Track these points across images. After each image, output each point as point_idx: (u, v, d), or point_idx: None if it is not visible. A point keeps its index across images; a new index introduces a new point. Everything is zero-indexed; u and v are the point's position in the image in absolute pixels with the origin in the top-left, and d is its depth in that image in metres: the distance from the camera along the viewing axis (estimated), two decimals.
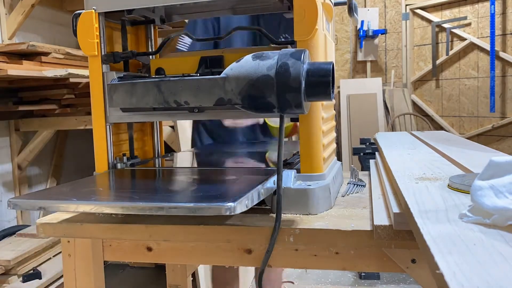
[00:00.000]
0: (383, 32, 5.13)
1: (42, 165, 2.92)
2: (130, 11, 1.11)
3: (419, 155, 1.19)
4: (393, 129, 4.92)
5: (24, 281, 2.14)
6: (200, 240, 0.90)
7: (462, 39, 4.88)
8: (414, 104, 5.25)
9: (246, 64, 0.86)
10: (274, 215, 0.87)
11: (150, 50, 1.28)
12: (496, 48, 4.53)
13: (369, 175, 1.29)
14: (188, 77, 0.94)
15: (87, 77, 1.60)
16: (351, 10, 1.09)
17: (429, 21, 5.12)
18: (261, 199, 0.84)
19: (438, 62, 5.08)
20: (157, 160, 1.29)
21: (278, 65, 0.83)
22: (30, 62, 2.24)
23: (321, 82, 0.83)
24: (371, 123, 4.80)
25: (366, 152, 3.19)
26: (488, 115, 4.74)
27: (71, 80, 2.34)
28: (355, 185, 1.16)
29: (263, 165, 1.21)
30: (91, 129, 1.08)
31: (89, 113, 2.39)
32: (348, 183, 1.18)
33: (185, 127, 2.57)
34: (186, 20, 2.05)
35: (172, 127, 2.67)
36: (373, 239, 0.80)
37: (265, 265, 0.85)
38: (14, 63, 2.19)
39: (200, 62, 1.07)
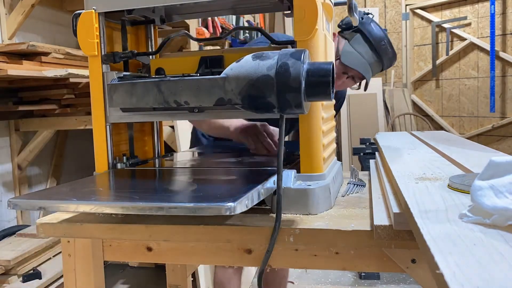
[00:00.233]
0: None
1: (42, 165, 2.92)
2: (130, 11, 1.11)
3: (419, 155, 1.19)
4: (393, 129, 4.92)
5: (24, 281, 2.14)
6: (200, 240, 0.90)
7: (462, 39, 4.88)
8: (414, 104, 5.25)
9: (246, 64, 0.86)
10: (274, 215, 0.87)
11: (150, 50, 1.28)
12: (496, 48, 4.53)
13: (369, 175, 1.29)
14: (188, 77, 0.94)
15: (87, 77, 1.60)
16: (351, 10, 1.09)
17: (429, 21, 5.12)
18: (261, 199, 0.84)
19: (438, 62, 5.08)
20: (157, 160, 1.29)
21: (278, 65, 0.83)
22: (30, 62, 2.24)
23: (321, 82, 0.83)
24: (371, 123, 4.81)
25: (366, 152, 3.19)
26: (488, 115, 4.74)
27: (71, 80, 2.34)
28: (355, 185, 1.16)
29: (263, 165, 1.21)
30: (91, 129, 1.08)
31: (89, 113, 2.39)
32: (348, 183, 1.18)
33: (185, 127, 2.57)
34: (186, 20, 2.05)
35: (172, 127, 2.67)
36: (373, 239, 0.80)
37: (265, 265, 0.85)
38: (14, 63, 2.19)
39: (200, 62, 1.07)
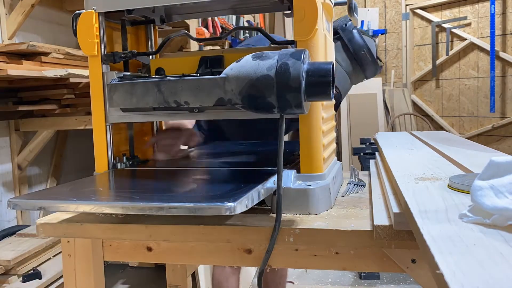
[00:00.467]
0: (383, 32, 5.13)
1: (42, 165, 2.92)
2: (130, 11, 1.11)
3: (419, 155, 1.19)
4: (393, 129, 4.93)
5: (24, 281, 2.14)
6: (200, 240, 0.90)
7: (462, 39, 4.88)
8: (414, 104, 5.25)
9: (246, 64, 0.86)
10: (274, 215, 0.87)
11: (150, 50, 1.28)
12: (496, 48, 4.53)
13: (369, 175, 1.29)
14: (188, 77, 0.94)
15: (87, 77, 1.60)
16: (351, 10, 1.09)
17: (429, 21, 5.12)
18: (261, 199, 0.84)
19: (438, 62, 5.08)
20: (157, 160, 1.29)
21: (278, 65, 0.83)
22: (30, 62, 2.24)
23: (321, 82, 0.83)
24: (371, 123, 4.81)
25: (366, 152, 3.20)
26: (488, 115, 4.74)
27: (71, 80, 2.34)
28: (355, 185, 1.16)
29: (263, 165, 1.21)
30: (91, 129, 1.08)
31: (89, 113, 2.39)
32: (348, 183, 1.18)
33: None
34: (186, 20, 2.05)
35: None
36: (373, 239, 0.80)
37: (265, 265, 0.85)
38: (14, 63, 2.19)
39: (200, 62, 1.08)
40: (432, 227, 0.56)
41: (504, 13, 4.55)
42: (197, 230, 0.88)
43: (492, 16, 4.47)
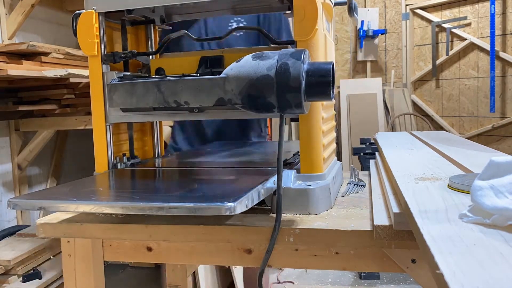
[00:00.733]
0: (383, 32, 5.13)
1: (42, 165, 2.92)
2: (130, 11, 1.11)
3: (419, 155, 1.19)
4: (393, 129, 4.92)
5: (24, 281, 2.14)
6: (200, 240, 0.90)
7: (462, 39, 4.88)
8: (414, 104, 5.25)
9: (246, 64, 0.86)
10: (274, 215, 0.87)
11: (150, 50, 1.28)
12: (496, 48, 4.53)
13: (369, 175, 1.29)
14: (188, 77, 0.94)
15: (87, 77, 1.60)
16: (351, 10, 1.09)
17: (429, 21, 5.12)
18: (261, 199, 0.84)
19: (438, 62, 5.08)
20: (157, 160, 1.29)
21: (278, 65, 0.83)
22: (30, 62, 2.24)
23: (321, 82, 0.83)
24: (371, 123, 4.80)
25: (366, 152, 3.19)
26: (488, 115, 4.74)
27: (71, 80, 2.34)
28: (355, 185, 1.16)
29: (263, 165, 1.21)
30: (91, 129, 1.08)
31: (89, 113, 2.39)
32: (348, 183, 1.18)
33: None
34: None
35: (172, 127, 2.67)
36: (373, 239, 0.80)
37: (265, 265, 0.85)
38: (14, 63, 2.19)
39: (200, 62, 1.08)
40: (432, 227, 0.56)
41: (504, 13, 4.55)
42: (197, 230, 0.88)
43: (492, 16, 4.47)
